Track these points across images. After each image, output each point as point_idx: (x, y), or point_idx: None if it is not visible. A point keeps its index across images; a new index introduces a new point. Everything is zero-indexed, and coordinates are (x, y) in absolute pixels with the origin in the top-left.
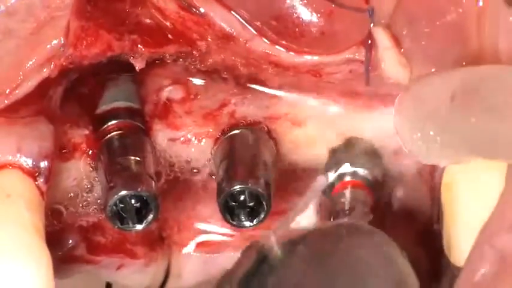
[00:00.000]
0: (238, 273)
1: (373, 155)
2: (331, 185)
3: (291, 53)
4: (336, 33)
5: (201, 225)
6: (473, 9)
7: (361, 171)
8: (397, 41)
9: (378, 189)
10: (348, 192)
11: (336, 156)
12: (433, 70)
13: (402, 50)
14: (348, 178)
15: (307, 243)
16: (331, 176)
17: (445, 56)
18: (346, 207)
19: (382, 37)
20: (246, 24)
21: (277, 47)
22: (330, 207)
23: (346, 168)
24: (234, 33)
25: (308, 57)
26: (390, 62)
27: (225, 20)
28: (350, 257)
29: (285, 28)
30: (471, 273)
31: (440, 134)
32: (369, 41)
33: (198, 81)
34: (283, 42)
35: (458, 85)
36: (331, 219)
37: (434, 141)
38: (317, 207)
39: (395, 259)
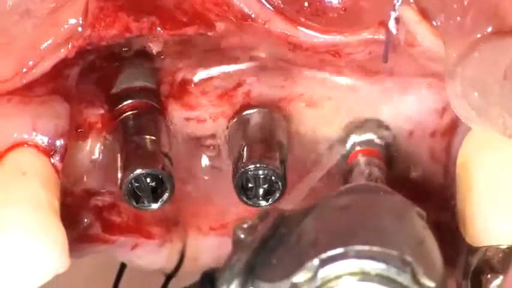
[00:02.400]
0: (255, 238)
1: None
2: (346, 155)
3: (311, 32)
4: (359, 10)
5: (216, 209)
6: None
7: (375, 138)
8: (426, 16)
9: (392, 157)
10: (363, 159)
11: (349, 130)
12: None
13: (434, 24)
14: (361, 147)
15: (323, 204)
16: (346, 145)
17: (480, 30)
18: (364, 174)
19: (410, 14)
20: (266, 3)
21: (297, 27)
22: (345, 175)
23: (359, 136)
24: (253, 15)
25: (327, 37)
26: (425, 34)
27: (244, 1)
28: (368, 213)
29: (306, 5)
30: None
31: (496, 110)
32: (393, 19)
33: (213, 62)
34: (303, 20)
35: (510, 63)
36: None
37: (497, 119)
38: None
39: (412, 219)
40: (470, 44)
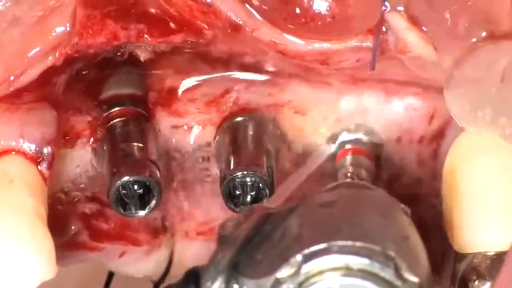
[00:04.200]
0: (239, 235)
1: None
2: (334, 154)
3: (298, 40)
4: (347, 18)
5: (204, 214)
6: None
7: (363, 137)
8: (416, 23)
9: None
10: (349, 159)
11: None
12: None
13: (424, 30)
14: (349, 146)
15: (308, 201)
16: (333, 146)
17: (474, 35)
18: (349, 173)
19: (399, 21)
20: (254, 12)
21: (284, 34)
22: (333, 174)
23: (346, 136)
24: (241, 23)
25: (316, 45)
26: (415, 40)
27: (232, 9)
28: (352, 209)
29: (294, 13)
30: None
31: (494, 112)
32: (380, 26)
33: (201, 70)
34: (291, 27)
35: (507, 65)
36: None
37: (492, 121)
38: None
39: (397, 215)
40: (466, 48)
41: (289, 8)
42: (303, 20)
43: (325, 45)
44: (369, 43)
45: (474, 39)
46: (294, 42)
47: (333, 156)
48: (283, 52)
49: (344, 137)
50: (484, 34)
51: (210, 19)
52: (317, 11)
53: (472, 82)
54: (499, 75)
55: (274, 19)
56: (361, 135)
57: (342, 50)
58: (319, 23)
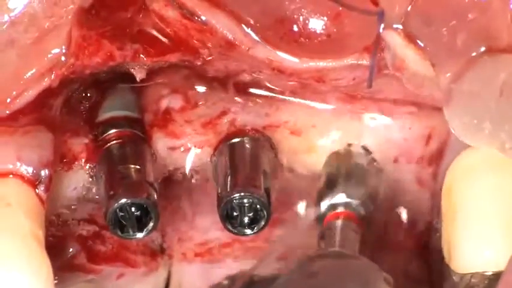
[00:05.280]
0: None
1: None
2: (323, 215)
3: (293, 58)
4: (343, 36)
5: (201, 235)
6: (505, 10)
7: (355, 203)
8: (412, 40)
9: (369, 220)
10: (339, 223)
11: (331, 184)
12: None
13: (421, 46)
14: (340, 209)
15: (293, 270)
16: (324, 205)
17: (472, 50)
18: (337, 237)
19: (396, 38)
20: (249, 31)
21: (279, 53)
22: (320, 236)
23: (339, 198)
24: (236, 41)
25: (312, 63)
26: (412, 57)
27: (227, 28)
28: (334, 280)
29: (290, 31)
30: None
31: (493, 126)
32: (377, 44)
33: (197, 90)
34: (287, 45)
35: (505, 80)
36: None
37: (491, 136)
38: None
39: (377, 285)
40: (465, 63)
41: (285, 27)
42: (300, 38)
43: (321, 64)
44: (365, 61)
45: (474, 54)
46: (289, 60)
47: (321, 218)
48: (279, 69)
49: (332, 199)
50: (482, 49)
51: (206, 37)
52: (313, 30)
53: (471, 96)
54: (498, 89)
55: (270, 38)
56: (353, 200)
57: (338, 68)
58: (316, 41)
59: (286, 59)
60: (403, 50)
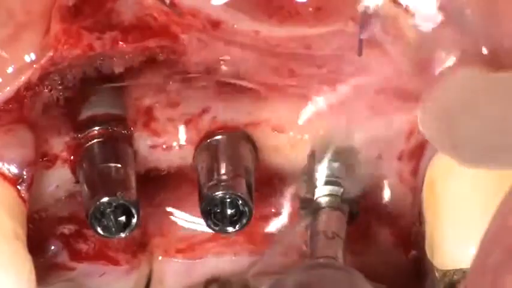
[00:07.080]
0: None
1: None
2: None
3: (280, 28)
4: (331, 6)
5: (183, 231)
6: None
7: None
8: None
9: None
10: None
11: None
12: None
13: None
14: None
15: (283, 280)
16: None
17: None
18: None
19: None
20: (235, 10)
21: (265, 24)
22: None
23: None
24: (221, 18)
25: (297, 30)
26: (404, 18)
27: (211, 8)
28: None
29: (278, 7)
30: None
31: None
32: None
33: (178, 88)
34: (271, 19)
35: (478, 89)
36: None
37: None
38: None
39: None
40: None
41: (272, 6)
42: (288, 14)
43: (308, 31)
44: (351, 27)
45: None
46: (276, 29)
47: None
48: (265, 40)
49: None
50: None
51: (187, 20)
52: (300, 4)
53: (442, 108)
54: (469, 103)
55: (256, 15)
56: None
57: (325, 34)
58: (304, 15)
59: (272, 28)
60: (389, 7)
